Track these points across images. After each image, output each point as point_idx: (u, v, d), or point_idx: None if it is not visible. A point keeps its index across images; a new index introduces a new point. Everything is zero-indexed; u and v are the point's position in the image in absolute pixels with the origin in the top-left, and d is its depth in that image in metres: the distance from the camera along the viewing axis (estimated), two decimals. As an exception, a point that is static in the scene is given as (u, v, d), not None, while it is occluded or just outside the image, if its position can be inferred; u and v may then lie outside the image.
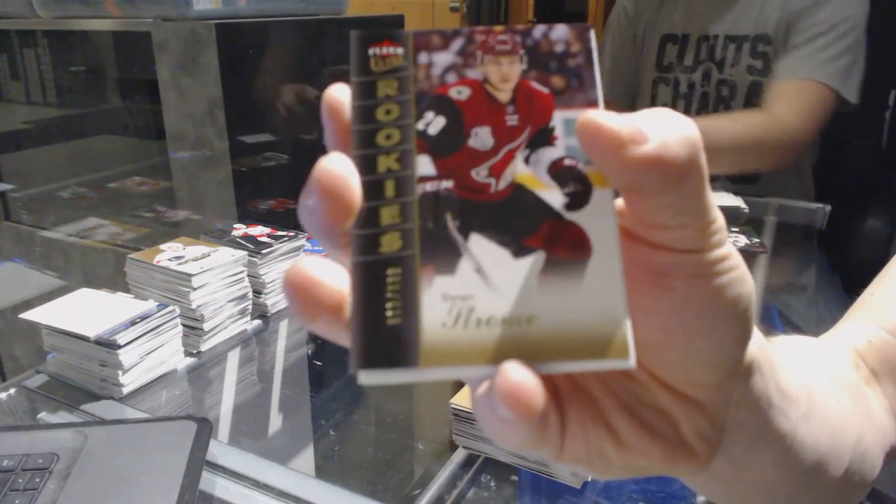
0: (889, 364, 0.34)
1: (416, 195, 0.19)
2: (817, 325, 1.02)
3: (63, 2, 1.28)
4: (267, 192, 1.26)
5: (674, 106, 1.37)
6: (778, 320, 0.98)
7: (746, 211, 1.19)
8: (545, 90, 0.20)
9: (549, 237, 0.19)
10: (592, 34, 0.21)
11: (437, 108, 0.20)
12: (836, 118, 1.26)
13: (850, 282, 1.29)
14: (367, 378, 0.18)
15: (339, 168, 0.18)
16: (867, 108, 1.44)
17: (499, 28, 0.21)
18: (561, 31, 0.21)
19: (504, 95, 0.20)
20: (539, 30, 0.21)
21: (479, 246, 0.19)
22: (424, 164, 0.19)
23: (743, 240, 1.04)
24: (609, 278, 0.19)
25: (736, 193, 1.27)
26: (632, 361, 0.18)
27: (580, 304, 0.19)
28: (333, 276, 0.18)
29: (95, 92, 1.43)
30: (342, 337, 0.19)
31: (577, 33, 0.21)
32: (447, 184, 0.19)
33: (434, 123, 0.20)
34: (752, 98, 1.29)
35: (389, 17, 1.58)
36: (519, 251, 0.19)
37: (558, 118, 0.20)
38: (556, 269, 0.19)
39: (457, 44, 0.20)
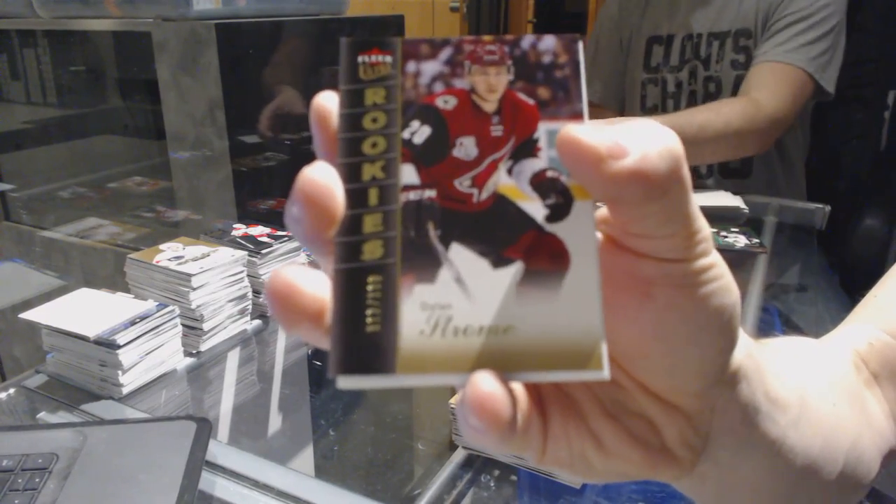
0: (889, 367, 0.34)
1: (400, 204, 0.19)
2: (817, 324, 1.02)
3: (63, 2, 1.28)
4: (267, 192, 1.26)
5: (663, 105, 1.38)
6: (777, 320, 0.98)
7: (746, 211, 1.19)
8: (531, 101, 0.20)
9: (529, 248, 0.19)
10: (580, 46, 0.21)
11: (423, 118, 0.20)
12: (835, 118, 1.26)
13: (849, 281, 1.29)
14: (345, 383, 0.18)
15: (321, 177, 0.18)
16: (867, 108, 1.45)
17: (487, 38, 0.21)
18: (549, 41, 0.21)
19: (490, 106, 0.20)
20: (527, 40, 0.21)
21: (460, 255, 0.19)
22: (408, 173, 0.19)
23: (743, 240, 1.04)
24: (586, 290, 0.19)
25: (735, 192, 1.27)
26: (605, 373, 0.19)
27: (557, 316, 0.19)
28: (314, 284, 0.19)
29: (95, 92, 1.43)
30: (323, 342, 0.19)
31: (565, 44, 0.21)
32: (430, 193, 0.19)
33: (419, 132, 0.20)
34: (737, 92, 1.30)
35: (389, 17, 1.58)
36: (498, 261, 0.19)
37: (542, 130, 0.20)
38: (535, 280, 0.19)
39: (445, 53, 0.20)
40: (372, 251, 0.19)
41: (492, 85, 0.20)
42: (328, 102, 0.20)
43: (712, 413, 0.23)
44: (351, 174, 0.19)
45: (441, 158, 0.20)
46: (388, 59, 0.20)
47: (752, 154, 1.27)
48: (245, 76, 1.17)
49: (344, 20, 1.43)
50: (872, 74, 1.43)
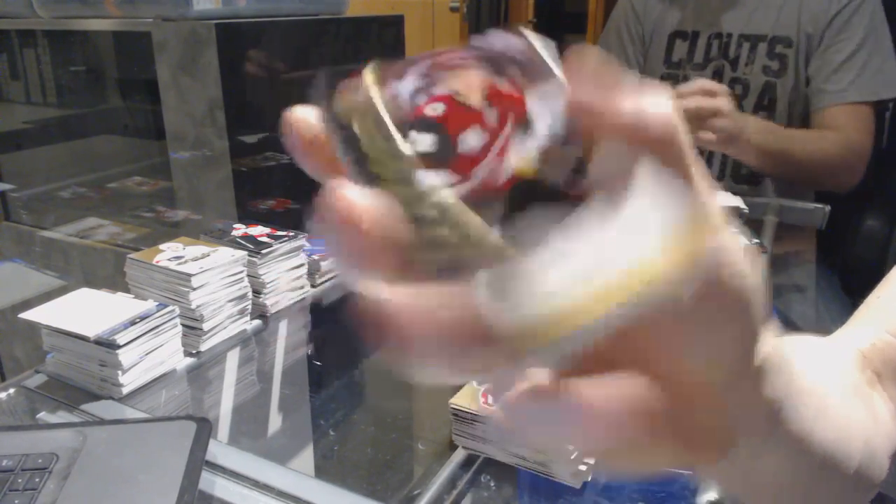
0: (892, 367, 0.34)
1: (435, 206, 0.20)
2: (817, 325, 1.02)
3: (63, 2, 1.28)
4: (267, 192, 1.26)
5: None
6: (778, 320, 0.98)
7: (746, 211, 1.19)
8: (510, 86, 0.21)
9: (560, 213, 0.20)
10: (526, 30, 0.22)
11: (419, 128, 0.21)
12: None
13: (849, 282, 1.29)
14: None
15: (363, 201, 0.19)
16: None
17: (445, 48, 0.22)
18: (498, 35, 0.22)
19: (476, 101, 0.21)
20: (478, 40, 0.22)
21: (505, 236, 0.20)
22: (429, 179, 0.20)
23: (743, 240, 1.04)
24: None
25: (735, 193, 1.27)
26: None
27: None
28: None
29: (95, 92, 1.43)
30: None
31: (513, 32, 0.22)
32: (458, 189, 0.20)
33: (421, 141, 0.21)
34: (764, 98, 1.29)
35: (389, 17, 1.58)
36: (538, 231, 0.20)
37: (532, 105, 0.21)
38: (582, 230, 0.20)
39: (416, 69, 0.22)
40: (435, 256, 0.19)
41: (471, 84, 0.21)
42: (303, 113, 0.20)
43: (740, 407, 0.23)
44: (376, 195, 0.20)
45: (451, 157, 0.20)
46: (368, 84, 0.21)
47: (838, 188, 1.27)
48: (245, 76, 1.17)
49: (344, 20, 1.43)
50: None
